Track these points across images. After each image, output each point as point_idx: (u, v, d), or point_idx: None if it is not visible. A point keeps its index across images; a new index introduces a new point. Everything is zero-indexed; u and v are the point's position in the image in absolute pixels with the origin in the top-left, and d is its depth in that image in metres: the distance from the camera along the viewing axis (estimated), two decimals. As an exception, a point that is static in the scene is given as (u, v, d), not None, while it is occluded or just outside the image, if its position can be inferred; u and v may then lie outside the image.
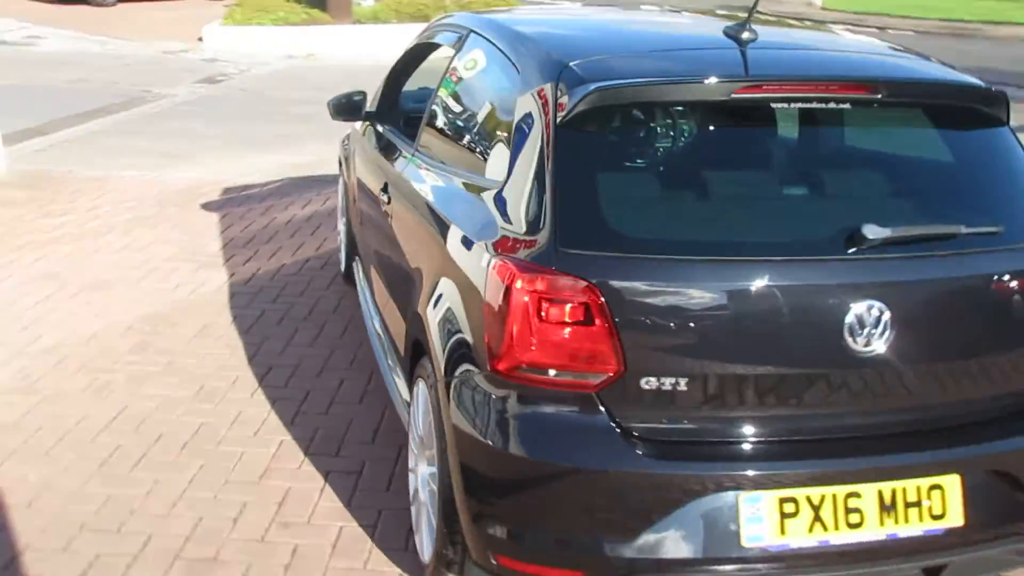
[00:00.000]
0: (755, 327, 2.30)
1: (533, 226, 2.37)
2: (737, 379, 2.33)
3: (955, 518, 2.41)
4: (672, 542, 2.29)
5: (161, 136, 9.06)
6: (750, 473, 2.33)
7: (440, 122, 3.53)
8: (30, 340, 4.53)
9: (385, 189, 3.71)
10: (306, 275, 5.48)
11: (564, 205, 2.35)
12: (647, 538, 2.29)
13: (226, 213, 6.61)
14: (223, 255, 5.78)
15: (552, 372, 2.31)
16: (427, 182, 3.25)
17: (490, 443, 2.36)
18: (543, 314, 2.28)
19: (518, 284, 2.30)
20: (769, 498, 2.32)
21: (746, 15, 2.68)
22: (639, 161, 2.52)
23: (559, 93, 2.48)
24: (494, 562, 2.42)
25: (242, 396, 4.04)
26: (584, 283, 2.25)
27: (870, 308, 2.30)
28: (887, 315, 2.31)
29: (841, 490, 2.35)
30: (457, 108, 3.41)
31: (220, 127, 9.54)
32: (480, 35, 3.29)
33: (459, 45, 3.49)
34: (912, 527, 2.38)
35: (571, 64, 2.56)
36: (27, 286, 5.22)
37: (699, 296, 2.28)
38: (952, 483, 2.40)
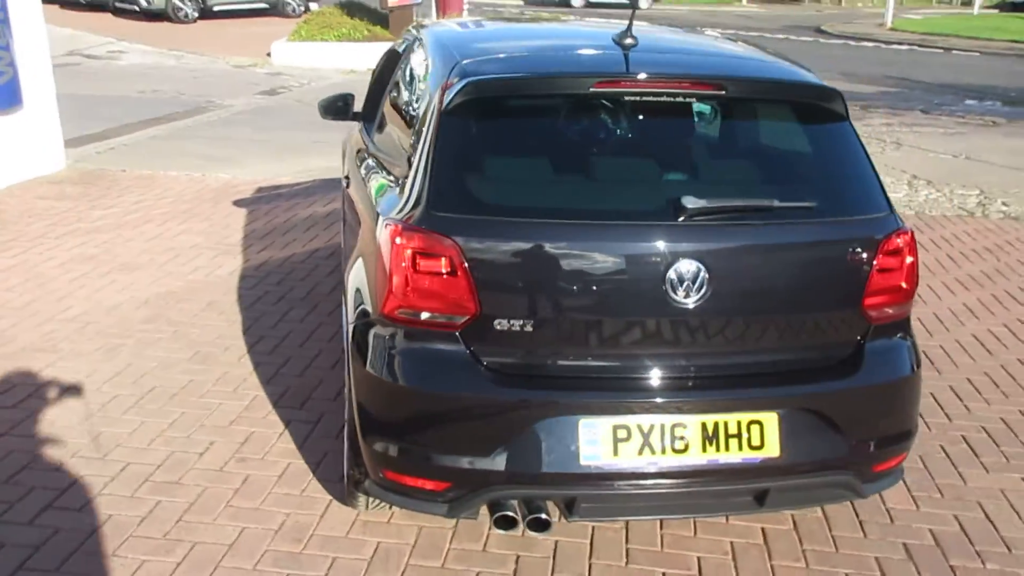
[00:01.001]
0: (591, 279, 2.73)
1: (418, 198, 2.84)
2: (576, 323, 2.76)
3: (772, 450, 2.79)
4: (521, 458, 2.73)
5: (212, 141, 9.81)
6: (588, 401, 2.76)
7: (386, 119, 4.04)
8: (60, 310, 5.17)
9: (347, 182, 4.25)
10: (311, 263, 6.04)
11: (439, 177, 2.82)
12: (500, 454, 2.73)
13: (253, 209, 7.25)
14: (242, 244, 6.38)
15: (425, 315, 2.78)
16: (370, 174, 3.76)
17: (375, 373, 2.84)
18: (417, 266, 2.75)
19: (398, 241, 2.78)
20: (604, 424, 2.74)
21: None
22: (506, 142, 2.98)
23: (448, 86, 2.95)
24: (381, 476, 2.89)
25: (231, 360, 4.59)
26: (450, 240, 2.71)
27: (689, 267, 2.71)
28: (704, 274, 2.71)
29: (668, 420, 2.76)
30: (397, 106, 3.92)
31: (267, 134, 10.26)
32: (420, 41, 3.79)
33: (407, 51, 4.01)
34: (732, 455, 2.78)
35: (463, 62, 3.04)
36: (66, 266, 5.89)
37: (545, 253, 2.72)
38: (770, 420, 2.79)
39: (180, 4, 22.74)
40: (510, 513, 2.78)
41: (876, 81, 17.06)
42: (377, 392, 2.85)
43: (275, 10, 24.26)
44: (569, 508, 2.83)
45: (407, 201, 2.86)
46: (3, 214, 7.01)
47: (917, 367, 3.02)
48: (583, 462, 2.73)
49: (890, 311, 2.95)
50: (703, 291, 2.73)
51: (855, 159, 3.00)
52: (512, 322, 2.73)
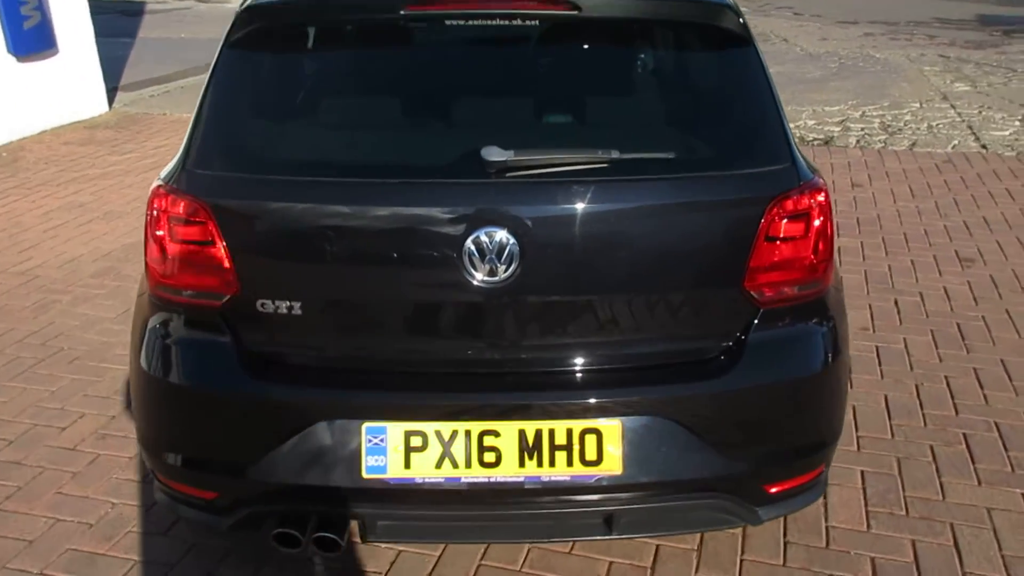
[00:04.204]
0: (375, 252, 2.15)
1: (186, 154, 2.31)
2: (357, 305, 2.20)
3: (612, 465, 2.17)
4: (291, 468, 2.21)
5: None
6: (371, 402, 2.20)
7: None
8: (16, 263, 4.95)
9: None
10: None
11: (207, 128, 2.29)
12: (267, 462, 2.22)
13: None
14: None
15: (186, 292, 2.28)
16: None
17: (134, 359, 2.37)
18: (173, 233, 2.25)
19: (155, 206, 2.28)
20: (393, 429, 2.18)
21: None
22: (290, 82, 2.40)
23: (235, 19, 2.40)
24: (158, 481, 2.44)
25: (156, 319, 4.24)
26: (205, 202, 2.19)
27: (494, 236, 2.09)
28: (513, 245, 2.09)
29: (476, 426, 2.17)
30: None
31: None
32: None
33: None
34: (559, 472, 2.17)
35: None
36: (50, 214, 5.69)
37: (315, 217, 2.16)
38: (610, 429, 2.17)
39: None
40: (289, 530, 2.27)
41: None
42: (136, 382, 2.38)
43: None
44: (364, 527, 2.30)
45: (178, 159, 2.34)
46: (21, 160, 6.91)
47: (832, 360, 2.30)
48: (366, 475, 2.19)
49: (787, 291, 2.25)
50: (513, 267, 2.11)
51: (748, 96, 2.28)
52: (278, 303, 2.19)
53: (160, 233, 2.26)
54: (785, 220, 2.18)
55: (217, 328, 2.25)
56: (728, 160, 2.23)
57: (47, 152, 7.10)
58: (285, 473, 2.22)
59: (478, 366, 2.22)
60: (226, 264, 2.19)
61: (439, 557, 2.67)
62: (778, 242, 2.19)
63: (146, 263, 2.33)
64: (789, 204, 2.18)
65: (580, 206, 2.11)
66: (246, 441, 2.25)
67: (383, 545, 2.69)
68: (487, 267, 2.10)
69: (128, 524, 2.85)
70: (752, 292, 2.21)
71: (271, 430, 2.22)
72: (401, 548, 2.70)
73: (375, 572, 2.63)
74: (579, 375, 2.22)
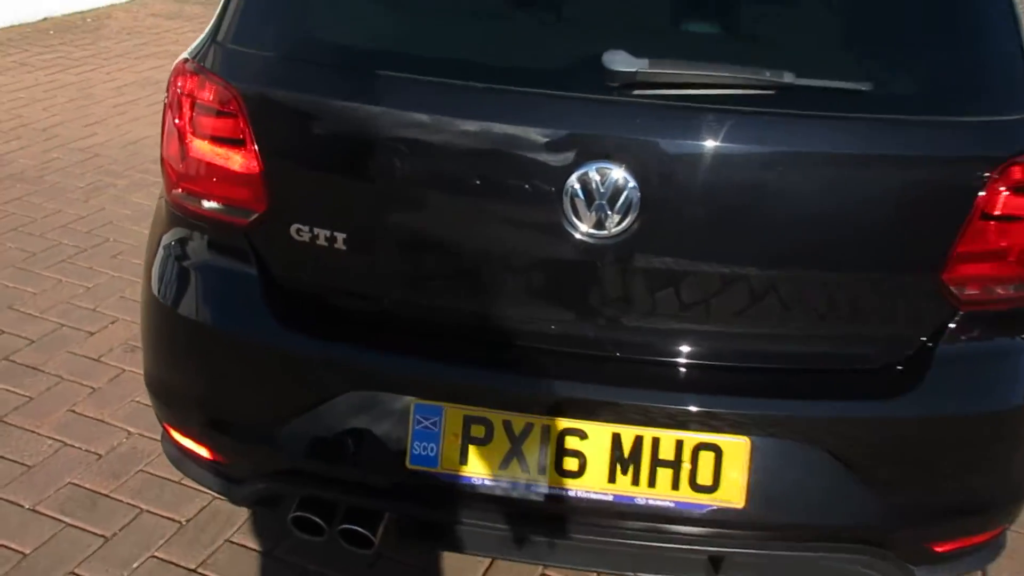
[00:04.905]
0: (449, 177, 1.62)
1: (218, 25, 1.79)
2: (418, 245, 1.68)
3: (733, 495, 1.64)
4: (319, 443, 1.74)
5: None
6: (426, 374, 1.70)
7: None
8: (79, 138, 4.57)
9: None
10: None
11: None
12: (292, 433, 1.75)
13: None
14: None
15: (208, 203, 1.79)
16: None
17: (146, 280, 1.90)
18: (195, 123, 1.76)
19: (176, 83, 1.79)
20: (450, 412, 1.68)
21: None
22: None
23: None
24: (163, 428, 2.00)
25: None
26: (240, 89, 1.68)
27: (607, 175, 1.53)
28: (633, 189, 1.53)
29: (557, 422, 1.66)
30: None
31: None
32: None
33: None
34: (659, 494, 1.65)
35: None
36: (123, 89, 5.30)
37: (377, 123, 1.62)
38: (735, 447, 1.63)
39: None
40: (310, 515, 1.80)
41: None
42: (145, 307, 1.92)
43: None
44: (401, 527, 1.83)
45: (210, 28, 1.83)
46: (104, 28, 6.53)
47: (1040, 392, 1.71)
48: (410, 465, 1.70)
49: (1000, 290, 1.66)
50: (628, 219, 1.55)
51: (978, 15, 1.64)
52: (318, 231, 1.69)
53: (180, 122, 1.77)
54: (1013, 193, 1.57)
55: (241, 254, 1.76)
56: (942, 101, 1.61)
57: (132, 23, 6.70)
58: (309, 448, 1.75)
59: (567, 344, 1.69)
60: (257, 172, 1.69)
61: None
62: (999, 222, 1.59)
63: (162, 159, 1.85)
64: (1021, 172, 1.57)
65: (731, 145, 1.53)
66: (264, 401, 1.78)
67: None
68: (594, 216, 1.55)
69: (141, 461, 2.44)
70: (952, 287, 1.62)
71: (296, 392, 1.75)
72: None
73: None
74: (700, 372, 1.68)
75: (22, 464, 2.41)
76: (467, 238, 1.65)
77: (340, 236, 1.68)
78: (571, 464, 1.66)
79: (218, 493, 1.94)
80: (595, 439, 1.65)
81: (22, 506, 2.28)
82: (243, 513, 2.27)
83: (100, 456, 2.45)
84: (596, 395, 1.65)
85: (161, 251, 1.88)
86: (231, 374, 1.80)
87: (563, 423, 1.66)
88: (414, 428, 1.69)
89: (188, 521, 2.26)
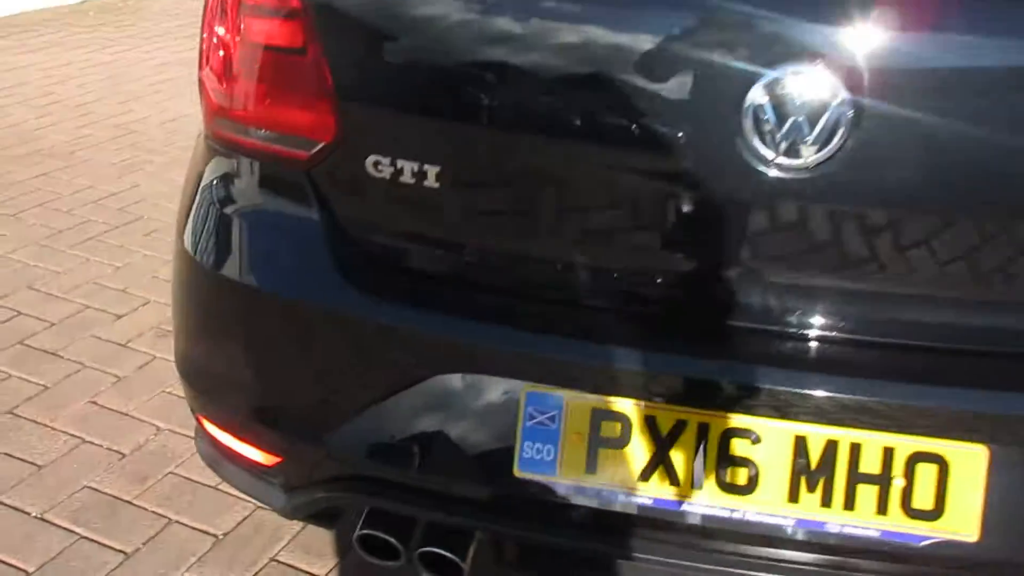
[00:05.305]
0: (581, 93, 1.21)
1: None
2: (536, 182, 1.27)
3: (961, 524, 1.20)
4: (394, 440, 1.34)
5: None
6: (545, 352, 1.28)
7: None
8: (114, 115, 4.25)
9: None
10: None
11: None
12: (359, 426, 1.35)
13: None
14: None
15: (259, 132, 1.39)
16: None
17: (179, 235, 1.51)
18: (244, 29, 1.37)
19: None
20: (574, 404, 1.27)
21: None
22: None
23: None
24: (199, 425, 1.60)
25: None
26: (305, -17, 1.29)
27: (804, 82, 1.11)
28: (842, 103, 1.10)
29: (718, 420, 1.24)
30: None
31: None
32: None
33: None
34: (859, 519, 1.22)
35: None
36: (160, 68, 4.99)
37: (480, 24, 1.22)
38: (970, 459, 1.19)
39: None
40: (381, 534, 1.39)
41: None
42: (177, 267, 1.53)
43: None
44: (498, 552, 1.41)
45: None
46: (145, 9, 6.25)
47: None
48: (519, 472, 1.29)
49: None
50: (834, 144, 1.12)
51: None
52: (402, 165, 1.28)
53: (224, 29, 1.38)
54: None
55: (300, 197, 1.36)
56: None
57: (173, 5, 6.40)
58: (382, 448, 1.34)
59: (736, 316, 1.27)
60: (324, 90, 1.30)
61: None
62: None
63: (200, 82, 1.47)
64: None
65: (984, 51, 1.10)
66: (325, 386, 1.38)
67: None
68: (788, 139, 1.13)
69: (171, 462, 2.05)
70: None
71: (369, 374, 1.34)
72: None
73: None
74: (920, 355, 1.25)
75: (31, 463, 2.03)
76: (605, 174, 1.24)
77: (433, 171, 1.27)
78: (739, 476, 1.24)
79: (263, 503, 1.54)
80: (769, 443, 1.23)
81: (28, 513, 1.89)
82: (292, 526, 1.88)
83: (123, 455, 2.07)
84: (771, 383, 1.22)
85: (199, 196, 1.49)
86: (284, 351, 1.39)
87: (728, 421, 1.23)
88: (525, 424, 1.28)
89: (226, 535, 1.86)
